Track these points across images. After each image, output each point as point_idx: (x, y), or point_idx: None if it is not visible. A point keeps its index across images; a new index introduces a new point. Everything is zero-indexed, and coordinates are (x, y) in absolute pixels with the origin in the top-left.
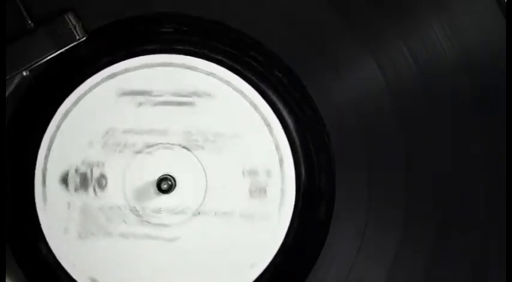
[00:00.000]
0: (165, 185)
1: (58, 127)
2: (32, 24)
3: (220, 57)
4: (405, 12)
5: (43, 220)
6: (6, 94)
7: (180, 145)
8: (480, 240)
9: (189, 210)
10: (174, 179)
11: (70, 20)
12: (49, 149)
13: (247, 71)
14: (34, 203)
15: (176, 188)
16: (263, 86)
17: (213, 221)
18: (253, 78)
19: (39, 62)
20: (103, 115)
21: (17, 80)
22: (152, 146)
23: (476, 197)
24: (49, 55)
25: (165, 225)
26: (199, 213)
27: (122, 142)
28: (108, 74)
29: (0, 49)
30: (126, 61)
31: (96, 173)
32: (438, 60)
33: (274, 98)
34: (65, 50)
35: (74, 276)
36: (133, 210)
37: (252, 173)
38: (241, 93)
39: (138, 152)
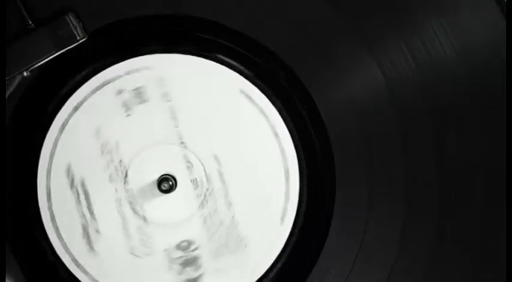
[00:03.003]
0: (166, 185)
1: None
2: (32, 24)
3: (222, 58)
4: (405, 12)
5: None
6: (7, 94)
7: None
8: (480, 240)
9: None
10: (175, 181)
11: (71, 20)
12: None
13: (246, 71)
14: (36, 202)
15: (175, 191)
16: (263, 86)
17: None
18: (252, 78)
19: (40, 63)
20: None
21: (17, 80)
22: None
23: (477, 197)
24: (50, 55)
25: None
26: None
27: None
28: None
29: (0, 49)
30: (126, 61)
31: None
32: (438, 60)
33: (273, 98)
34: (66, 50)
35: (76, 275)
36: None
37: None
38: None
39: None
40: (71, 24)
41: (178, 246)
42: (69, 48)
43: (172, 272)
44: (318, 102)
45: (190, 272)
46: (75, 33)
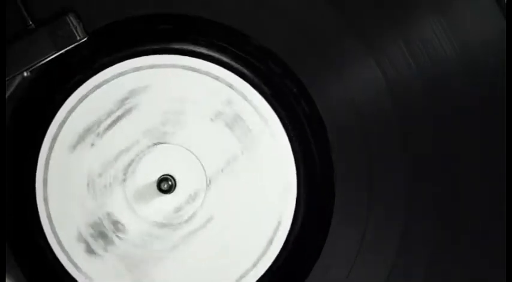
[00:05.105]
0: (165, 185)
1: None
2: (32, 24)
3: (221, 57)
4: (405, 12)
5: None
6: (7, 95)
7: (152, 144)
8: (480, 241)
9: (200, 190)
10: (172, 177)
11: (71, 21)
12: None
13: (246, 71)
14: (35, 202)
15: (177, 184)
16: (263, 86)
17: (224, 181)
18: (252, 77)
19: (40, 63)
20: (76, 173)
21: (17, 80)
22: (130, 164)
23: (477, 197)
24: (50, 56)
25: (193, 215)
26: (210, 182)
27: (105, 183)
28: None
29: (0, 49)
30: (126, 62)
31: (108, 223)
32: (438, 60)
33: (272, 97)
34: (66, 50)
35: (75, 276)
36: (162, 225)
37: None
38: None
39: (124, 180)
40: (71, 25)
41: None
42: (69, 48)
43: None
44: (318, 102)
45: None
46: (75, 33)
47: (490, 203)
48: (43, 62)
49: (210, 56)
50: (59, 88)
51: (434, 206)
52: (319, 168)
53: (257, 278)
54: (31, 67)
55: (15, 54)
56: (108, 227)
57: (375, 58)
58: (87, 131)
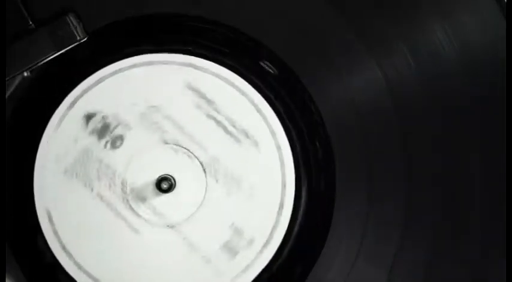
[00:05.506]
0: (165, 184)
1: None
2: (32, 24)
3: (221, 58)
4: (406, 12)
5: (44, 143)
6: (7, 95)
7: (201, 163)
8: (480, 241)
9: (165, 219)
10: (174, 180)
11: (71, 21)
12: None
13: (248, 72)
14: (33, 202)
15: (174, 191)
16: (263, 86)
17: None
18: (253, 78)
19: (40, 63)
20: (158, 91)
21: (17, 80)
22: (180, 146)
23: (477, 197)
24: (50, 56)
25: (137, 215)
26: (172, 227)
27: (160, 124)
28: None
29: (0, 49)
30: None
31: (118, 131)
32: (438, 61)
33: (273, 97)
34: (66, 50)
35: (74, 276)
36: (123, 184)
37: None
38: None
39: (165, 143)
40: (71, 25)
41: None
42: (69, 48)
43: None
44: (318, 102)
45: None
46: (76, 33)
47: (490, 203)
48: (43, 62)
49: (209, 56)
50: (59, 88)
51: (434, 206)
52: (319, 169)
53: (253, 278)
54: (31, 67)
55: (15, 54)
56: (114, 126)
57: (375, 58)
58: None
